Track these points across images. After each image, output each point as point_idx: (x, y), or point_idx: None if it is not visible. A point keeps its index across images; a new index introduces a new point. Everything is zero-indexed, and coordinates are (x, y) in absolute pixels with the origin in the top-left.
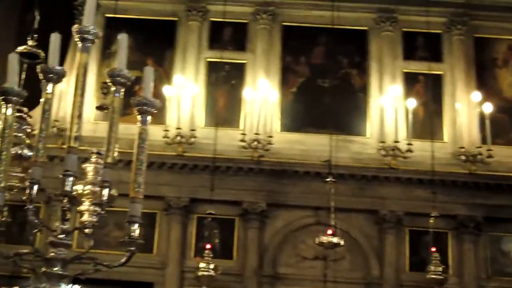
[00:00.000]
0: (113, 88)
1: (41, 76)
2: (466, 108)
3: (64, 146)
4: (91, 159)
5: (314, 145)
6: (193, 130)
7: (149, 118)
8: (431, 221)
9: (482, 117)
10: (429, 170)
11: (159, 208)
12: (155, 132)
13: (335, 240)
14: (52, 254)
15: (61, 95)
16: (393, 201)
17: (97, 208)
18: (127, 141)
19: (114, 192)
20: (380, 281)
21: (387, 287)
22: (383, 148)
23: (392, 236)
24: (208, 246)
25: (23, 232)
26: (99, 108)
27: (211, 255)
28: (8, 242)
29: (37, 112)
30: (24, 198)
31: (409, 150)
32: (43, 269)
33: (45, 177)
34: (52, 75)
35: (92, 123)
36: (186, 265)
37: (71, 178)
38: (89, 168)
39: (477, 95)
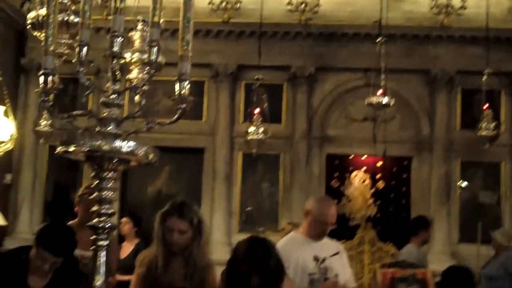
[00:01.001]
0: None
1: None
2: None
3: (110, 17)
4: (137, 27)
5: (363, 5)
6: None
7: None
8: (484, 78)
9: None
10: (483, 27)
11: (207, 76)
12: None
13: (385, 100)
14: (105, 114)
15: None
16: (445, 60)
17: (146, 69)
18: (172, 10)
19: (161, 59)
20: (431, 140)
21: (437, 145)
22: (436, 6)
23: (444, 95)
24: (257, 110)
25: (74, 104)
26: None
27: (260, 120)
28: (61, 112)
29: None
30: (74, 60)
31: (463, 7)
32: (97, 128)
33: (93, 49)
34: None
35: None
36: (236, 131)
37: (119, 39)
38: (136, 36)
39: None
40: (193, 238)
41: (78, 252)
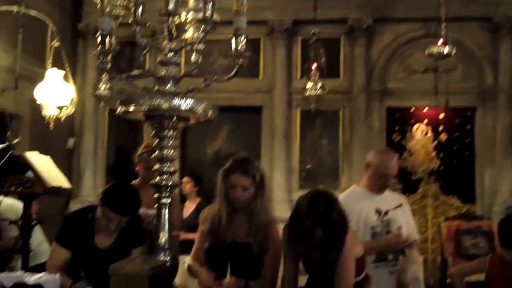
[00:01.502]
0: None
1: None
2: None
3: None
4: None
5: None
6: None
7: None
8: None
9: None
10: None
11: (262, 33)
12: None
13: (446, 50)
14: (163, 73)
15: None
16: (508, 6)
17: (202, 28)
18: None
19: (216, 16)
20: (495, 89)
21: (501, 95)
22: None
23: (507, 43)
24: (314, 66)
25: (132, 67)
26: None
27: (318, 75)
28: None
29: None
30: (130, 20)
31: None
32: (156, 88)
33: (147, 11)
34: None
35: None
36: (293, 87)
37: None
38: None
39: None
40: (255, 194)
41: (142, 210)
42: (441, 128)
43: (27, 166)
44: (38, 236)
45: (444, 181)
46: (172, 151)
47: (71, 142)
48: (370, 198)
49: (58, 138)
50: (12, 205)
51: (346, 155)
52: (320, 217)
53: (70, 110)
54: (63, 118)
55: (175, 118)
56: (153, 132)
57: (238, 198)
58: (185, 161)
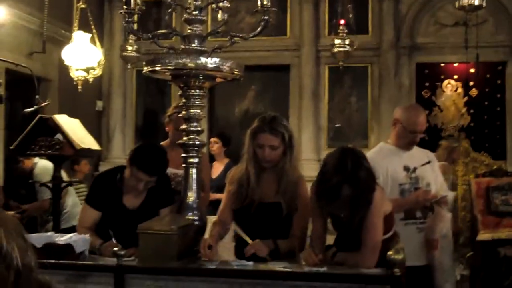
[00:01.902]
0: None
1: None
2: None
3: None
4: None
5: None
6: None
7: None
8: None
9: None
10: None
11: None
12: None
13: (477, 1)
14: (189, 31)
15: None
16: None
17: None
18: None
19: None
20: None
21: None
22: None
23: None
24: (342, 22)
25: (158, 28)
26: None
27: (346, 31)
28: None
29: None
30: None
31: None
32: (182, 46)
33: None
34: None
35: None
36: (321, 44)
37: None
38: None
39: None
40: (284, 153)
41: (170, 170)
42: (471, 83)
43: (57, 128)
44: (72, 198)
45: (475, 137)
46: (199, 110)
47: (99, 104)
48: (398, 155)
49: (86, 101)
50: (47, 167)
51: (375, 113)
52: (348, 174)
53: (97, 72)
54: (91, 80)
55: (201, 76)
56: (180, 92)
57: (266, 158)
58: (213, 122)
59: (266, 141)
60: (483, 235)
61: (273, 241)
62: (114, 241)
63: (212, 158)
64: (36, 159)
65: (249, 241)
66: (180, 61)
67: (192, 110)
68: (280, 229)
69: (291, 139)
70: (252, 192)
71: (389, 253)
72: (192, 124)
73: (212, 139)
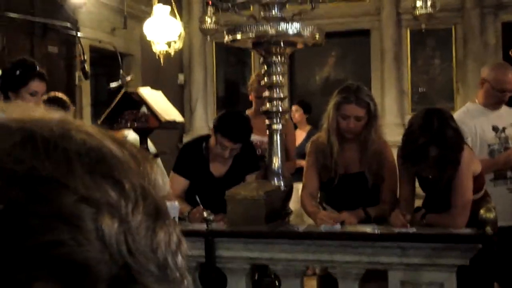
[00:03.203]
0: None
1: None
2: None
3: None
4: None
5: None
6: None
7: None
8: None
9: None
10: None
11: None
12: None
13: None
14: None
15: None
16: None
17: None
18: None
19: None
20: None
21: None
22: None
23: None
24: None
25: None
26: None
27: None
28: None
29: None
30: None
31: None
32: (262, 14)
33: None
34: None
35: None
36: (402, 7)
37: None
38: None
39: None
40: (368, 123)
41: (255, 138)
42: None
43: (141, 101)
44: (159, 169)
45: None
46: (281, 77)
47: (181, 77)
48: (486, 115)
49: (168, 74)
50: (138, 139)
51: (460, 74)
52: (434, 134)
53: (178, 45)
54: (172, 54)
55: (282, 43)
56: (261, 59)
57: (351, 129)
58: (293, 90)
59: (352, 111)
60: None
61: (363, 209)
62: (201, 206)
63: (294, 126)
64: (126, 132)
65: (336, 214)
66: (261, 28)
67: (274, 77)
68: (367, 198)
69: (376, 109)
70: (336, 163)
71: (481, 212)
72: (274, 91)
73: (293, 107)
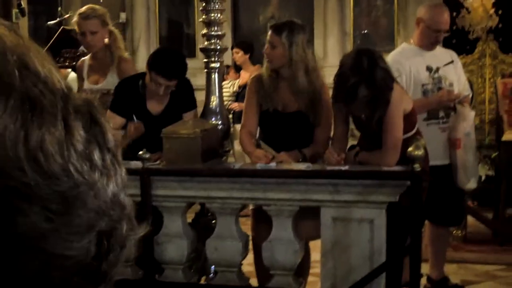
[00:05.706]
0: None
1: None
2: None
3: None
4: None
5: None
6: None
7: None
8: None
9: None
10: None
11: None
12: None
13: None
14: None
15: None
16: None
17: None
18: None
19: None
20: None
21: None
22: None
23: None
24: None
25: None
26: None
27: None
28: None
29: None
30: None
31: None
32: None
33: None
34: None
35: None
36: None
37: None
38: None
39: None
40: (291, 62)
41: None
42: None
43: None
44: None
45: (503, 39)
46: (219, 14)
47: (123, 16)
48: (421, 55)
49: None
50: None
51: (401, 16)
52: (364, 75)
53: None
54: None
55: None
56: None
57: (267, 55)
58: (236, 31)
59: (270, 37)
60: (509, 135)
61: (299, 150)
62: (135, 120)
63: (239, 68)
64: (69, 70)
65: (274, 153)
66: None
67: (212, 14)
68: (304, 138)
69: (292, 46)
70: (271, 98)
71: (409, 149)
72: (212, 29)
73: (233, 50)
